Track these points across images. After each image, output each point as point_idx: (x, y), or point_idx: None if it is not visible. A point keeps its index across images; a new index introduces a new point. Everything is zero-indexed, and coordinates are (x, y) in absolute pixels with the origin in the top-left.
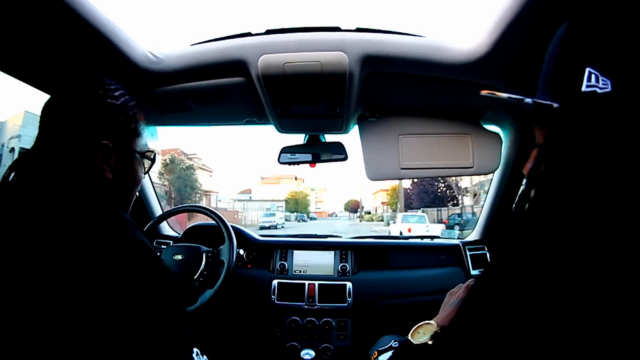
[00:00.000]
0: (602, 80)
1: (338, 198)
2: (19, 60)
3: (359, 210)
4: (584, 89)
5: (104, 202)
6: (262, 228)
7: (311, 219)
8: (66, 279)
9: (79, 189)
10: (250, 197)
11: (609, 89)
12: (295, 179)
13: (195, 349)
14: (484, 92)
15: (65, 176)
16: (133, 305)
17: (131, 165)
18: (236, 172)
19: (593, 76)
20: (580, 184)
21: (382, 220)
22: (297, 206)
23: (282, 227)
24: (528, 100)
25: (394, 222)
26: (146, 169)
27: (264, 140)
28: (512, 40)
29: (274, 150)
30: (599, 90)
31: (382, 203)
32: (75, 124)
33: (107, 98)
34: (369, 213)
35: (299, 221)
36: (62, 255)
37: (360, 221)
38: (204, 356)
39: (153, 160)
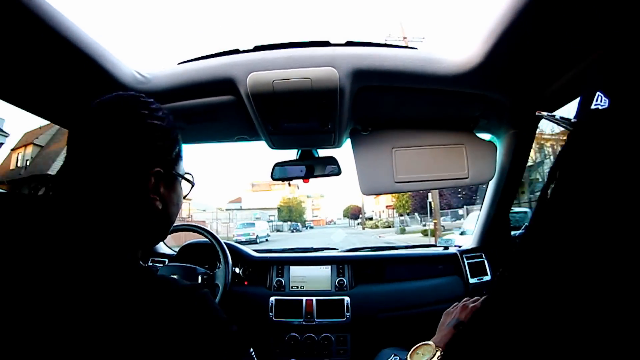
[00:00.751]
0: (604, 99)
1: (336, 204)
2: (5, 82)
3: (360, 216)
4: (592, 107)
5: (151, 235)
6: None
7: (307, 227)
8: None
9: (127, 227)
10: (241, 207)
11: (606, 106)
12: (289, 185)
13: None
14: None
15: (113, 215)
16: None
17: (177, 191)
18: (226, 181)
19: (600, 97)
20: (588, 183)
21: (390, 227)
22: (290, 214)
23: (266, 240)
24: (557, 116)
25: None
26: (186, 193)
27: (254, 145)
28: (505, 50)
29: (264, 155)
30: (600, 107)
31: (387, 207)
32: (122, 148)
33: (154, 119)
34: (371, 219)
35: (292, 231)
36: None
37: (363, 228)
38: None
39: (193, 184)
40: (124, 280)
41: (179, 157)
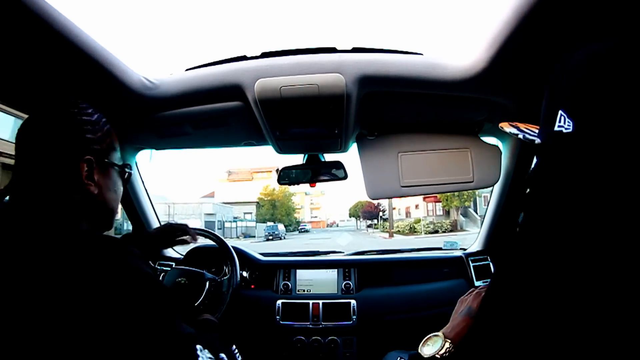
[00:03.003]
0: (568, 121)
1: (340, 203)
2: (15, 89)
3: (380, 215)
4: (555, 128)
5: (95, 221)
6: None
7: (301, 231)
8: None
9: (70, 211)
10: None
11: (571, 130)
12: (277, 173)
13: (198, 346)
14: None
15: (53, 198)
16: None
17: (112, 178)
18: (200, 171)
19: (562, 118)
20: (556, 203)
21: (438, 231)
22: (274, 212)
23: None
24: (520, 136)
25: None
26: (123, 182)
27: None
28: (510, 55)
29: None
30: (564, 130)
31: (426, 199)
32: (55, 143)
33: (83, 115)
34: (385, 220)
35: (268, 239)
36: (62, 288)
37: (391, 235)
38: (206, 350)
39: (130, 172)
40: (61, 251)
41: (111, 147)
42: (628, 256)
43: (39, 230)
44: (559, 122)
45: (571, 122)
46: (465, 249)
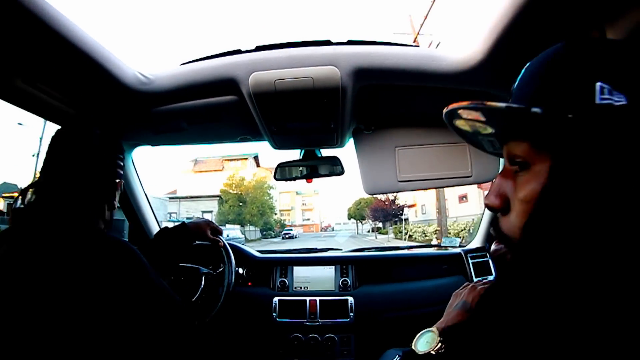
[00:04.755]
0: (616, 94)
1: (336, 203)
2: (9, 84)
3: (400, 214)
4: (597, 101)
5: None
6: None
7: (285, 237)
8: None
9: (96, 215)
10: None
11: (624, 102)
12: (257, 163)
13: None
14: (466, 103)
15: (87, 203)
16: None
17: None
18: (164, 165)
19: (606, 90)
20: (608, 195)
21: None
22: (242, 209)
23: None
24: (536, 109)
25: None
26: None
27: None
28: (507, 46)
29: None
30: (614, 103)
31: (482, 187)
32: (103, 163)
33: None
34: (406, 220)
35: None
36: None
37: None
38: None
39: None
40: (78, 241)
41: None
42: None
43: (68, 227)
44: (601, 94)
45: (622, 95)
46: (464, 246)
